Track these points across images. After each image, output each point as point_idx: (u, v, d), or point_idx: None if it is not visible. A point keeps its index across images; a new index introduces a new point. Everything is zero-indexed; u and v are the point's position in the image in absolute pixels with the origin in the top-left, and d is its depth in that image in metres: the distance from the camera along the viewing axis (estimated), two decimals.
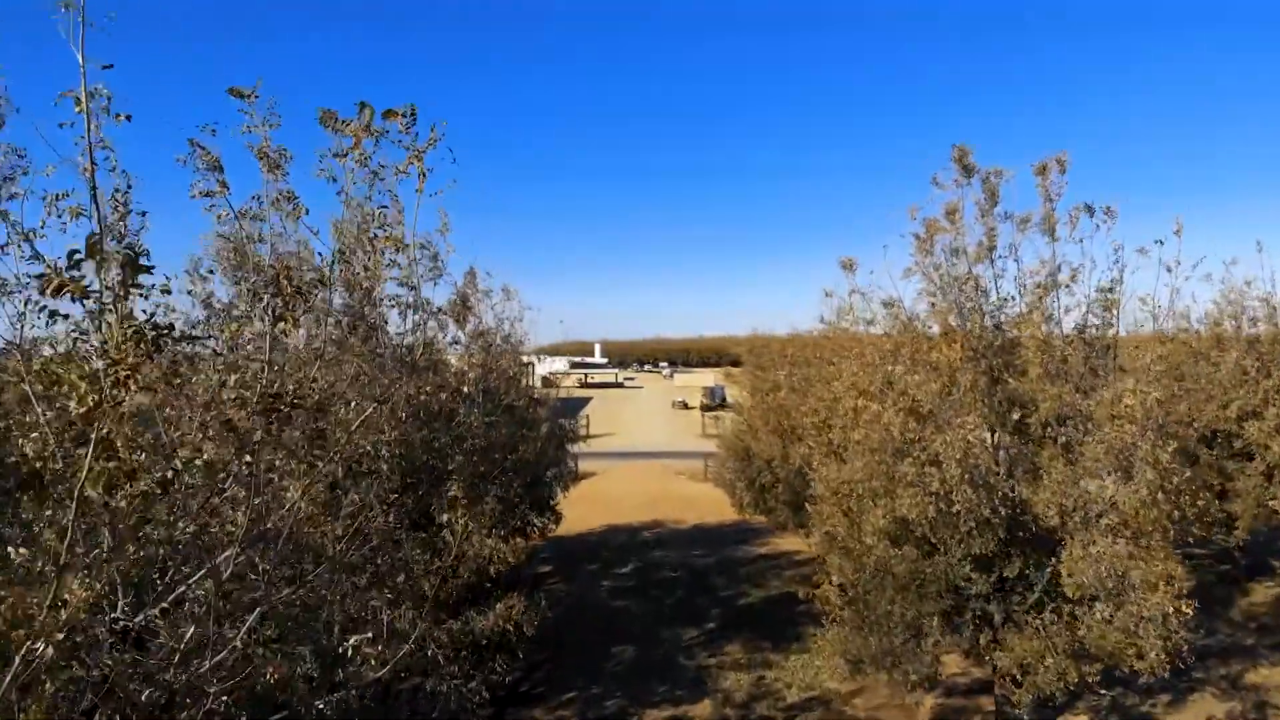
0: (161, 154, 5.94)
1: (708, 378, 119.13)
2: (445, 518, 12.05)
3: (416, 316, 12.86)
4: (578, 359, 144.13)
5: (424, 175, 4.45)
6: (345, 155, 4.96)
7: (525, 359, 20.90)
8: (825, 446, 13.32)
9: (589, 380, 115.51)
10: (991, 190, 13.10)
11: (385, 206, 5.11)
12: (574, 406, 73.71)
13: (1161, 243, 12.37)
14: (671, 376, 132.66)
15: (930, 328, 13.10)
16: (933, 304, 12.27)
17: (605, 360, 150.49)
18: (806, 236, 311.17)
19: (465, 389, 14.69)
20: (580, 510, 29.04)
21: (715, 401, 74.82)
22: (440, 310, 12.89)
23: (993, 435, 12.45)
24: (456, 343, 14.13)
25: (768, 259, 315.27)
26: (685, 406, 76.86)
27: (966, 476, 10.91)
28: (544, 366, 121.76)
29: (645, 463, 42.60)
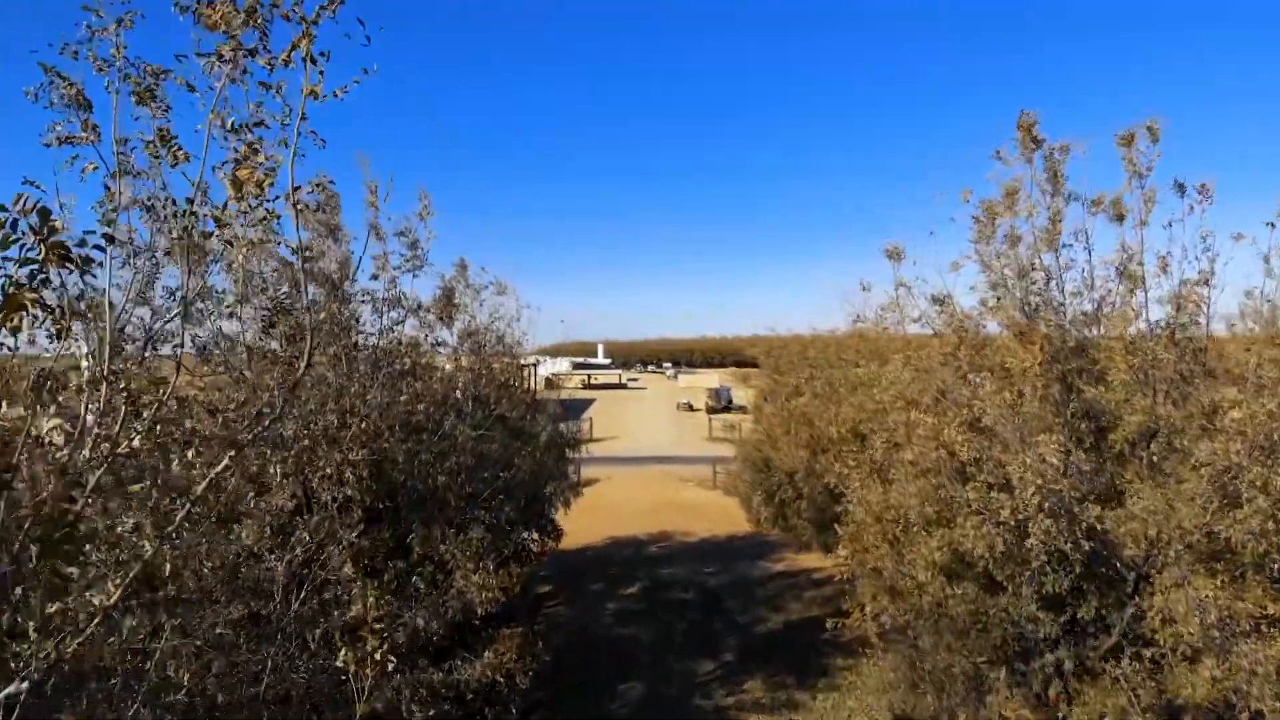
0: None
1: (712, 378, 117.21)
2: (425, 550, 10.30)
3: (395, 314, 11.09)
4: (580, 359, 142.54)
5: (314, 60, 2.69)
6: (216, 59, 3.17)
7: (524, 361, 19.14)
8: (866, 465, 11.52)
9: (592, 381, 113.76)
10: (1054, 169, 11.34)
11: (259, 125, 3.24)
12: (577, 408, 71.98)
13: (1274, 225, 10.55)
14: (675, 377, 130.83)
15: (984, 326, 11.32)
16: (998, 298, 10.46)
17: (608, 361, 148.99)
18: (808, 236, 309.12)
19: (456, 395, 12.94)
20: (583, 521, 27.27)
21: (721, 403, 73.04)
22: (421, 307, 11.11)
23: (1065, 453, 10.64)
24: (440, 344, 12.34)
25: (769, 259, 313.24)
26: (690, 408, 75.04)
27: (1046, 505, 9.12)
28: (547, 367, 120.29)
29: (650, 468, 40.85)
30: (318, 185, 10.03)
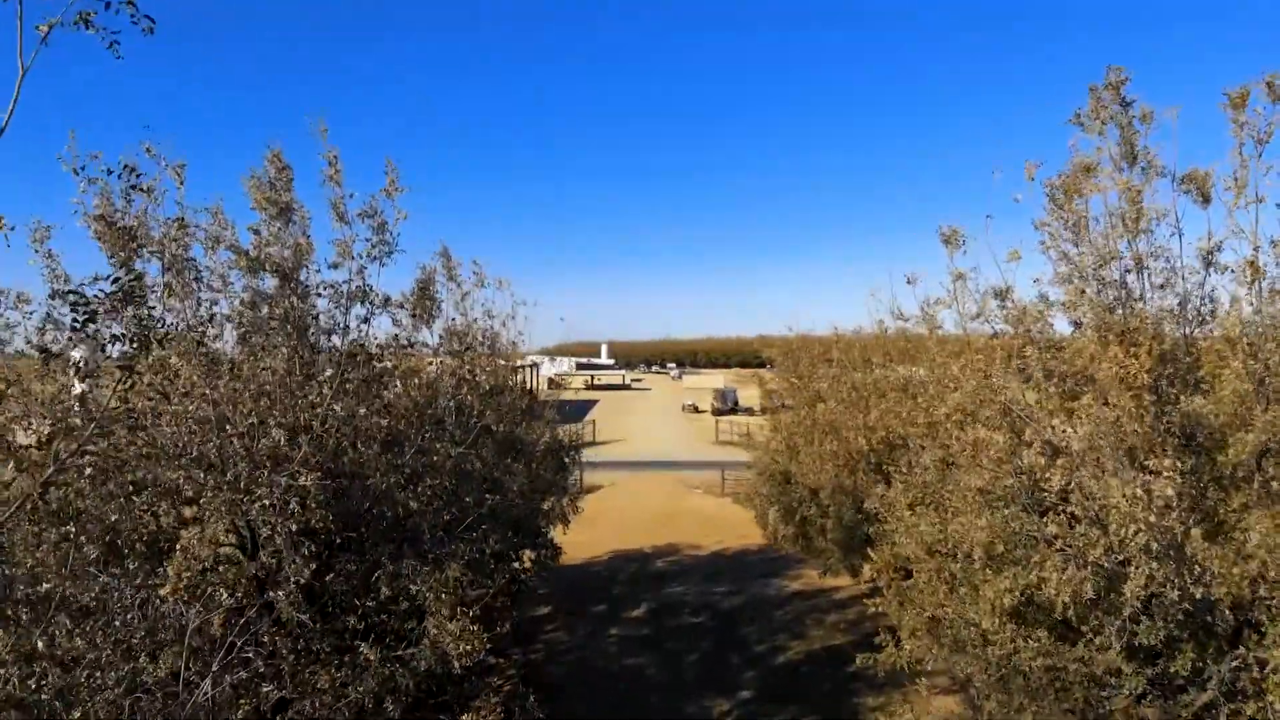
0: None
1: (717, 379, 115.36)
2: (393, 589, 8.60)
3: (361, 310, 9.39)
4: (584, 360, 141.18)
5: None
6: None
7: (522, 361, 17.45)
8: (917, 489, 9.79)
9: (595, 382, 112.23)
10: (1130, 142, 9.62)
11: None
12: (580, 410, 70.41)
13: None
14: (680, 378, 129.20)
15: (1052, 326, 9.57)
16: (1081, 291, 8.70)
17: (612, 361, 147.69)
18: (810, 237, 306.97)
19: (436, 404, 11.24)
20: (585, 533, 25.54)
21: (727, 405, 71.33)
22: (391, 302, 9.39)
23: (1178, 481, 8.88)
24: (410, 345, 10.52)
25: (771, 259, 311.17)
26: (696, 410, 73.29)
27: (1153, 545, 7.38)
28: (549, 368, 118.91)
29: (656, 474, 39.12)
30: (273, 157, 8.33)
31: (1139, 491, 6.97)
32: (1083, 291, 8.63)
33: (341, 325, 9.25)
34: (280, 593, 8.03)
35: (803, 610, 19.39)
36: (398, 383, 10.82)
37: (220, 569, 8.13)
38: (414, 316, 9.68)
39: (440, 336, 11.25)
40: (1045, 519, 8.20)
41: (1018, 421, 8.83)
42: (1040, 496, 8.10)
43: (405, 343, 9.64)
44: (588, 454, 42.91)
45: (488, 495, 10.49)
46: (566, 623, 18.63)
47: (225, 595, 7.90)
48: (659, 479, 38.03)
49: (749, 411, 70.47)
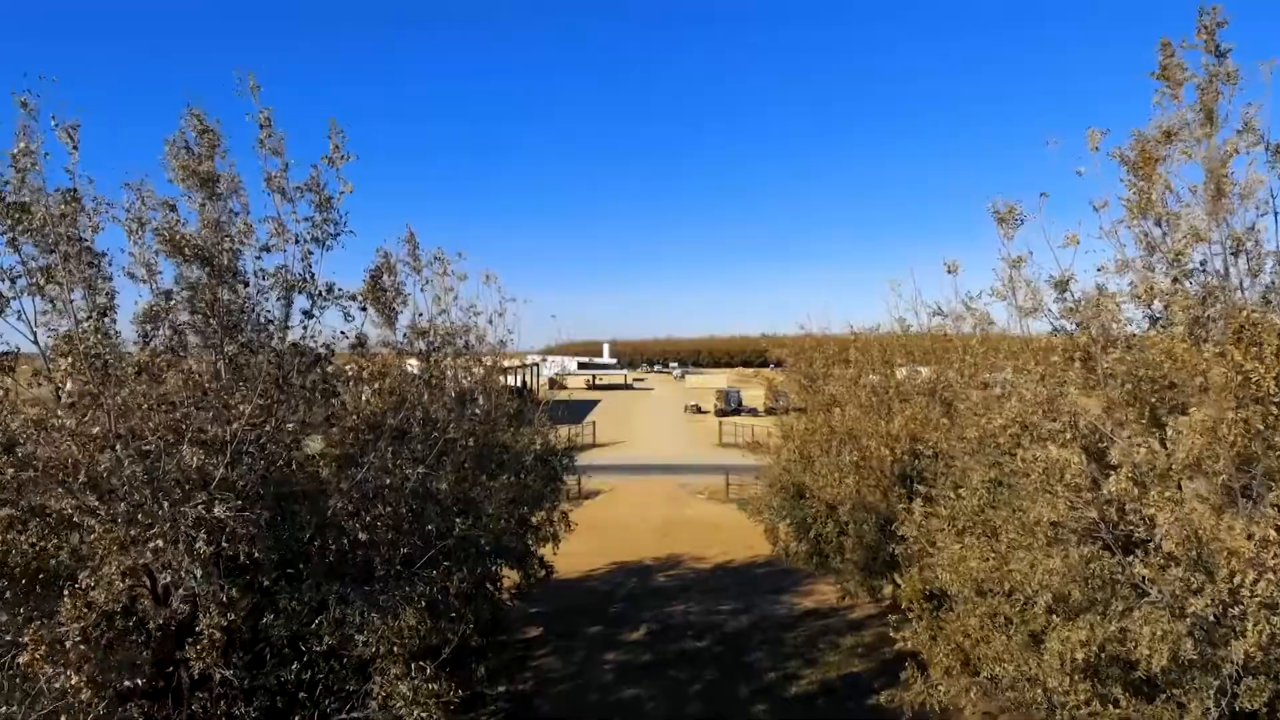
0: None
1: (720, 379, 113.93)
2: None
3: (303, 302, 7.90)
4: (586, 359, 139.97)
5: None
6: None
7: (509, 362, 15.98)
8: (965, 515, 8.26)
9: (597, 382, 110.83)
10: (1209, 109, 8.12)
11: None
12: (581, 410, 68.95)
13: None
14: (683, 377, 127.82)
15: (1124, 323, 8.03)
16: (1173, 279, 7.17)
17: (614, 361, 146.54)
18: (813, 237, 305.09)
19: (399, 413, 9.73)
20: (583, 543, 24.04)
21: (731, 406, 69.81)
22: (334, 291, 7.87)
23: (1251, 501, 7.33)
24: (361, 344, 8.98)
25: (774, 259, 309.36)
26: (698, 411, 71.76)
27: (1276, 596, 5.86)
28: (551, 367, 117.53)
29: (658, 479, 37.64)
30: (193, 117, 6.81)
31: (1272, 533, 5.45)
32: (1176, 280, 7.10)
33: (280, 320, 7.75)
34: (195, 648, 6.55)
35: (815, 632, 17.86)
36: (362, 389, 9.36)
37: (117, 622, 6.64)
38: (365, 310, 8.17)
39: (404, 334, 9.77)
40: (1131, 558, 6.68)
41: (1089, 438, 7.31)
42: (1126, 531, 6.61)
43: (356, 342, 8.13)
44: (588, 457, 41.46)
45: (459, 519, 8.99)
46: (559, 647, 17.12)
47: (124, 654, 6.42)
48: (661, 484, 36.55)
49: (753, 413, 68.85)
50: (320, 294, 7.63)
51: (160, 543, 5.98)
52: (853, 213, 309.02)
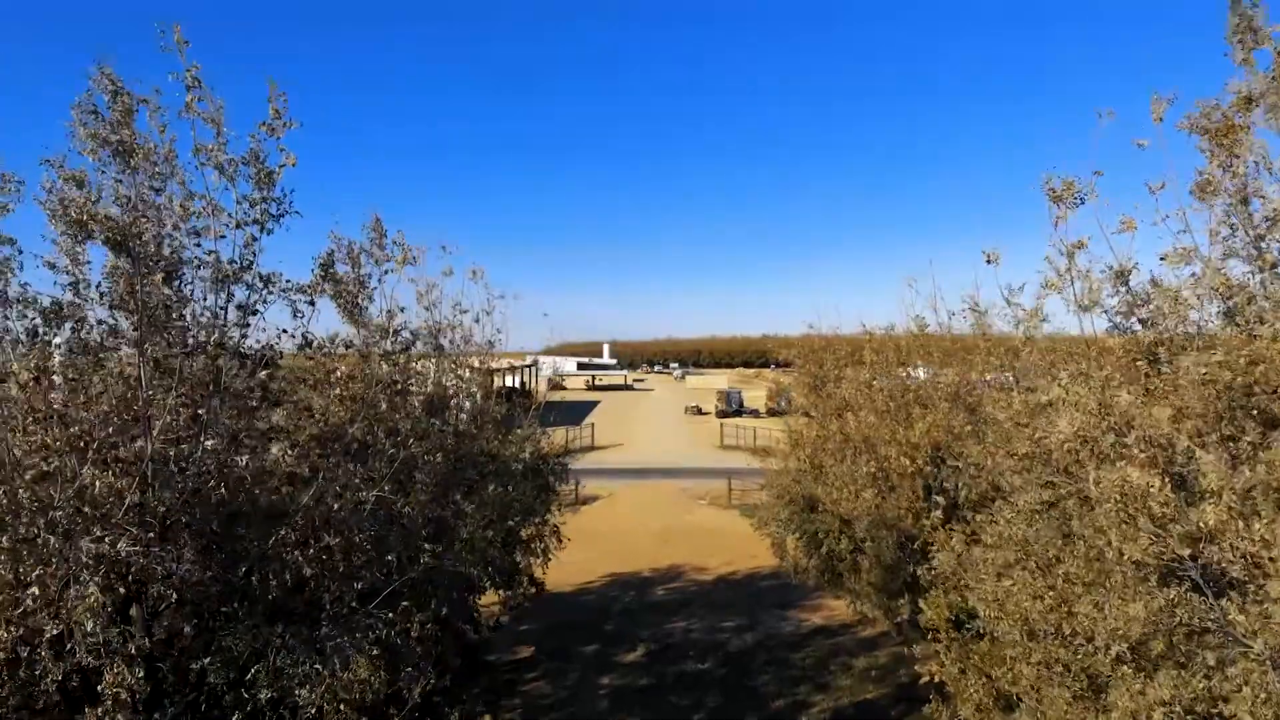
0: None
1: (720, 379, 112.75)
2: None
3: (241, 294, 6.76)
4: (585, 359, 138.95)
5: None
6: None
7: (498, 364, 14.85)
8: (1014, 546, 7.10)
9: (597, 382, 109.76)
10: None
11: None
12: (580, 411, 67.85)
13: None
14: (683, 378, 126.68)
15: (1205, 318, 6.90)
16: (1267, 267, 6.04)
17: (614, 361, 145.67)
18: (814, 238, 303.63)
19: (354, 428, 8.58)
20: (579, 552, 22.92)
21: (732, 407, 68.68)
22: (275, 281, 6.72)
23: None
24: (309, 343, 7.86)
25: (776, 260, 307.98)
26: (699, 412, 70.57)
27: None
28: (549, 368, 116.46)
29: (658, 483, 36.49)
30: (104, 77, 5.70)
31: None
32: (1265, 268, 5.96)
33: (211, 318, 6.61)
34: (96, 712, 5.41)
35: (825, 653, 16.72)
36: (312, 397, 8.21)
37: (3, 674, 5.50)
38: (313, 304, 7.01)
39: (372, 333, 8.61)
40: (1226, 602, 5.54)
41: (1164, 454, 6.18)
42: (1220, 569, 5.48)
43: (305, 342, 7.00)
44: (586, 460, 40.37)
45: (429, 545, 7.85)
46: (551, 669, 15.98)
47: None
48: (661, 489, 35.40)
49: (755, 414, 67.70)
50: (258, 285, 6.49)
51: (50, 584, 4.85)
52: (856, 213, 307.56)
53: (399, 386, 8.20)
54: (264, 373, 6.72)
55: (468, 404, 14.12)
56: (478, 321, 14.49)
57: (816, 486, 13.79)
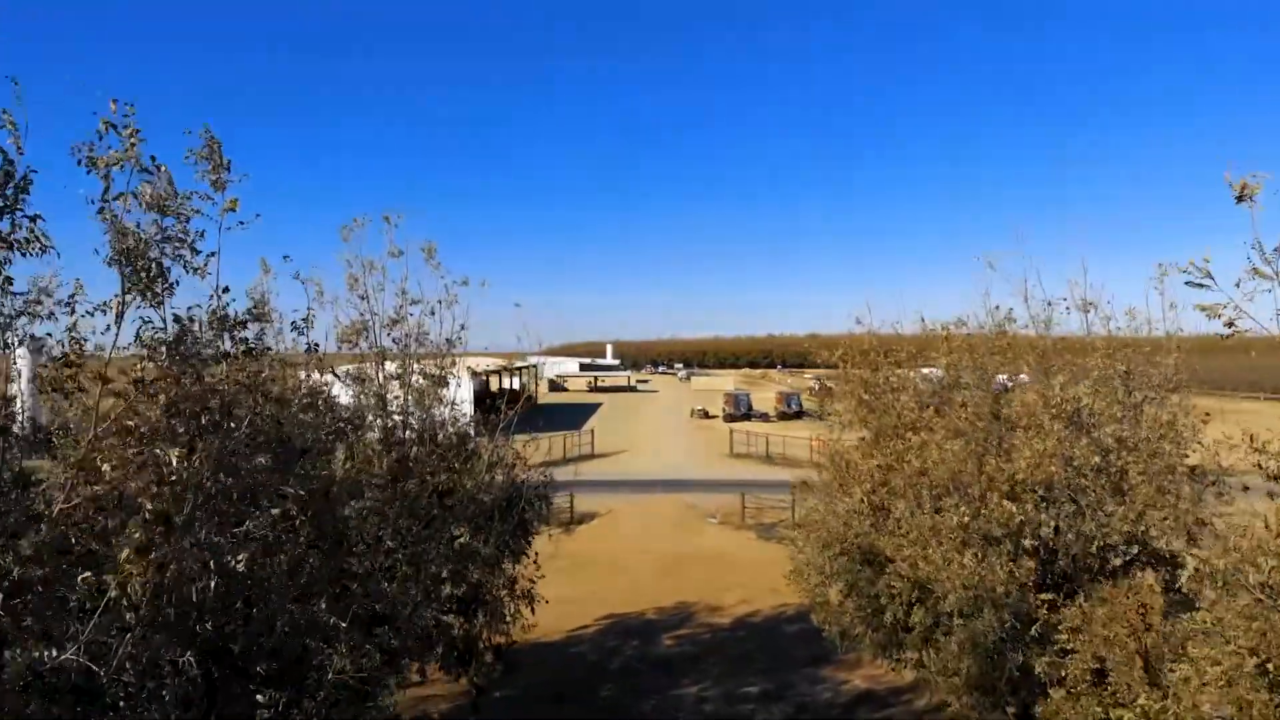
0: None
1: (726, 380, 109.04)
2: None
3: None
4: (588, 360, 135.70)
5: None
6: None
7: (456, 376, 11.47)
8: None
9: (599, 384, 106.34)
10: None
11: None
12: (581, 414, 64.44)
13: None
14: (688, 379, 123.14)
15: None
16: None
17: (617, 362, 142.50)
18: (815, 237, 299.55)
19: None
20: (572, 586, 19.56)
21: (740, 411, 65.26)
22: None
23: None
24: (153, 345, 4.53)
25: (778, 259, 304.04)
26: (705, 416, 67.02)
27: None
28: (552, 369, 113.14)
29: (662, 497, 33.00)
30: None
31: None
32: None
33: None
34: None
35: None
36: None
37: None
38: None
39: (203, 324, 5.20)
40: None
41: None
42: None
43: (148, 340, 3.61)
44: (585, 470, 36.67)
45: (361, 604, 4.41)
46: None
47: None
48: (666, 504, 31.89)
49: (764, 418, 64.15)
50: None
51: None
52: (862, 213, 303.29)
53: (227, 405, 4.75)
54: None
55: (414, 422, 10.76)
56: (433, 314, 11.18)
57: (878, 536, 10.30)
